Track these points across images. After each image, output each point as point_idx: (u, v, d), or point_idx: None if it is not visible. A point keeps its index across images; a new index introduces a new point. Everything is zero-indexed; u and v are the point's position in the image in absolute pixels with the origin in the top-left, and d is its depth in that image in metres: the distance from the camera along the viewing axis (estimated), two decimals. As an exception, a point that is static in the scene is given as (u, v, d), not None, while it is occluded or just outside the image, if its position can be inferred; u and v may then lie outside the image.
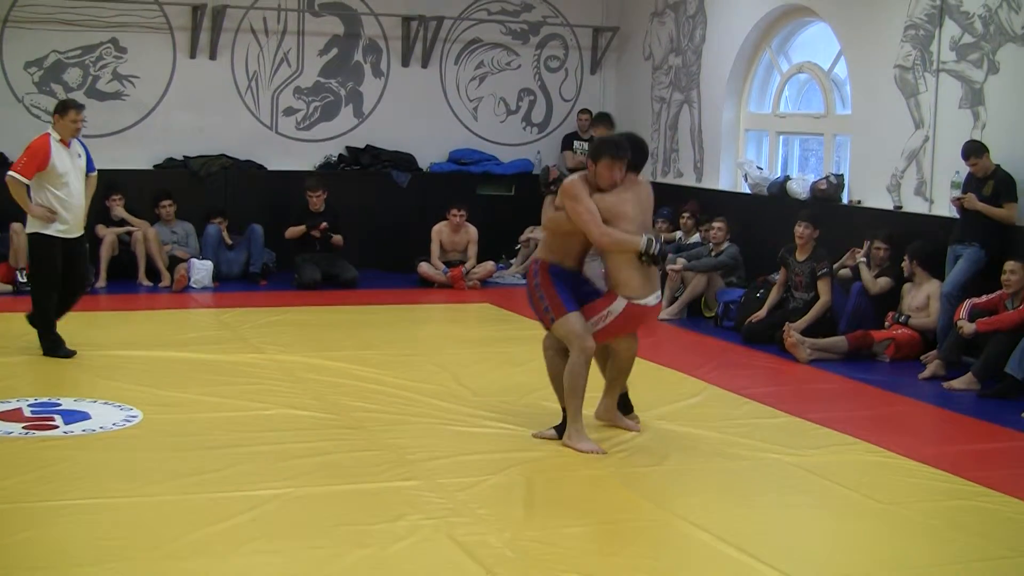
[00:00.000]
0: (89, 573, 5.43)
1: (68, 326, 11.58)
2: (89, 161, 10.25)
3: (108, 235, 14.25)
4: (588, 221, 7.57)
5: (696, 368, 10.29)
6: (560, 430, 7.79)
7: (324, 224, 14.58)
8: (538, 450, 7.60)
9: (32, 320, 10.20)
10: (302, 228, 14.56)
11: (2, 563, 5.56)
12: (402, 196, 16.04)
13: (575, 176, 7.84)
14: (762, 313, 11.75)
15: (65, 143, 9.93)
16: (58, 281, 10.03)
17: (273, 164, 15.66)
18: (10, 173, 9.89)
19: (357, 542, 5.95)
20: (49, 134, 9.93)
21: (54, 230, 9.89)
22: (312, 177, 15.20)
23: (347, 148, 16.15)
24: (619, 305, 7.66)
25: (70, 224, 9.97)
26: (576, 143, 16.60)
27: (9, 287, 13.57)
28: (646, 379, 9.82)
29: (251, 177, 15.54)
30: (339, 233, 14.78)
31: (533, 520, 6.30)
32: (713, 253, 13.12)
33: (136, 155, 15.13)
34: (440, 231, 15.09)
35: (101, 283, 14.03)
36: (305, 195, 14.78)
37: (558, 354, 7.87)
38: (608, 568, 5.66)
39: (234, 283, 14.47)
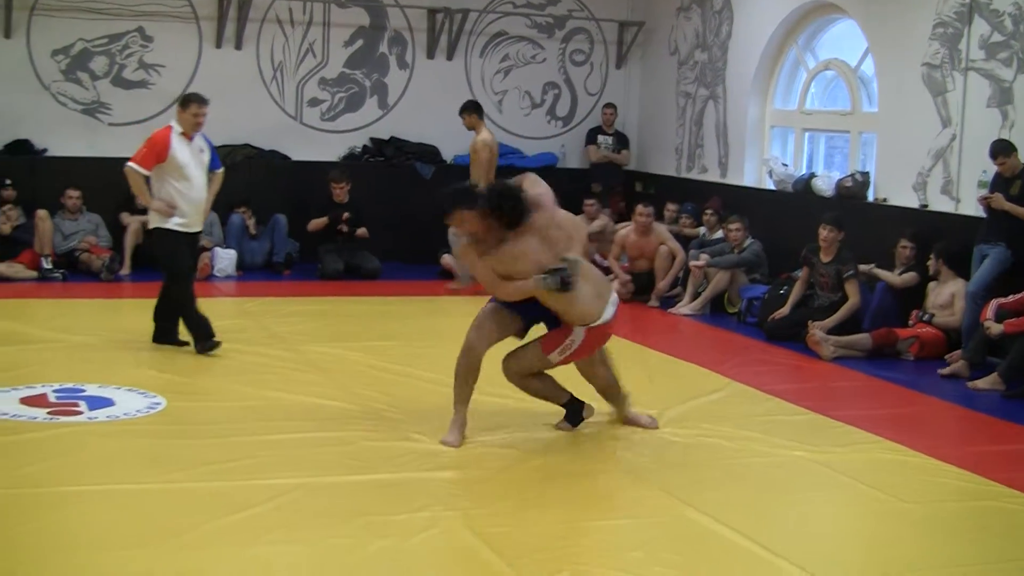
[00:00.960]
0: (111, 559, 5.43)
1: (92, 312, 11.65)
2: (214, 157, 10.11)
3: (133, 223, 14.28)
4: (488, 285, 7.53)
5: (718, 364, 10.27)
6: (572, 420, 7.86)
7: (346, 214, 14.60)
8: (560, 445, 7.59)
9: (160, 313, 10.05)
10: (324, 220, 14.57)
11: (26, 547, 5.58)
12: (426, 188, 16.00)
13: (463, 238, 7.69)
14: (785, 310, 11.72)
15: (187, 136, 9.76)
16: (191, 272, 10.04)
17: (297, 155, 15.68)
18: (129, 164, 9.73)
19: (377, 532, 5.95)
20: (171, 127, 9.78)
21: (174, 224, 9.75)
22: (336, 168, 15.22)
23: (371, 139, 16.16)
24: (579, 334, 7.58)
25: (190, 218, 9.82)
26: (600, 137, 16.60)
27: (34, 273, 13.62)
28: (668, 374, 9.83)
29: (275, 167, 15.55)
30: (363, 225, 14.80)
31: (554, 514, 6.29)
32: (735, 250, 13.08)
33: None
34: (463, 224, 15.05)
35: (126, 271, 14.08)
36: (329, 186, 14.80)
37: (524, 378, 7.86)
38: (630, 563, 5.65)
39: (257, 273, 14.50)
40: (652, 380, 9.60)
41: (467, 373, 7.60)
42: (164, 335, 10.01)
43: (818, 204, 12.78)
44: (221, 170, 10.23)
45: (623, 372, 9.15)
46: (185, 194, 9.74)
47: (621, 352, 10.59)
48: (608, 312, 7.62)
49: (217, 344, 9.76)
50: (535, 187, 7.63)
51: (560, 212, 7.69)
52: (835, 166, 14.13)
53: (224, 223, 14.86)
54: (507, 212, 7.34)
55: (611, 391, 8.11)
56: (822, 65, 14.09)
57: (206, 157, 9.96)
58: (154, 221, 9.84)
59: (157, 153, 9.65)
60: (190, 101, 9.79)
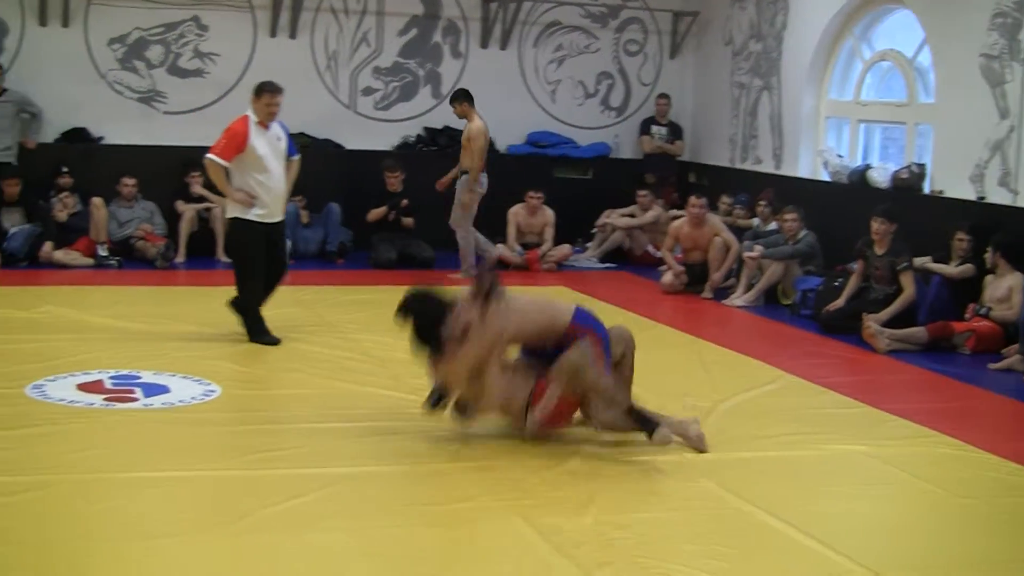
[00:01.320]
0: (165, 545, 5.47)
1: (147, 299, 11.74)
2: (291, 145, 10.01)
3: (187, 211, 14.39)
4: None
5: (772, 356, 10.21)
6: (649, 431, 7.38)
7: (405, 202, 14.65)
8: (611, 438, 7.57)
9: (236, 305, 9.93)
10: (383, 210, 14.61)
11: (81, 532, 5.62)
12: (479, 178, 16.04)
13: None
14: (840, 302, 11.64)
15: (263, 125, 9.68)
16: (262, 266, 9.81)
17: (351, 143, 15.73)
18: (208, 156, 9.71)
19: (429, 522, 5.97)
20: (247, 116, 9.70)
21: (253, 215, 9.65)
22: (390, 158, 15.26)
23: (425, 129, 16.19)
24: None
25: (270, 208, 9.73)
26: (654, 128, 16.56)
27: (90, 260, 13.73)
28: (722, 366, 9.79)
29: (329, 156, 15.59)
30: (415, 214, 14.83)
31: (606, 505, 6.27)
32: (790, 241, 13.00)
33: (216, 132, 15.02)
34: (517, 213, 15.09)
35: (180, 258, 14.18)
36: (383, 175, 14.84)
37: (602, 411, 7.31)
38: (683, 554, 5.63)
39: (311, 261, 14.55)
40: (707, 371, 9.57)
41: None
42: (259, 334, 9.84)
43: (873, 196, 12.68)
44: (297, 157, 10.14)
45: (679, 363, 9.18)
46: (264, 184, 9.67)
47: (675, 344, 10.64)
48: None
49: (274, 340, 9.75)
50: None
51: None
52: (891, 158, 14.03)
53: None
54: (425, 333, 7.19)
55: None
56: (878, 55, 13.98)
57: (283, 145, 9.87)
58: (232, 211, 9.80)
59: (237, 144, 9.59)
60: (263, 90, 9.70)
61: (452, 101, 14.03)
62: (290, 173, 10.03)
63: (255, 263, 9.77)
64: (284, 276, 10.11)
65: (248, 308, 9.81)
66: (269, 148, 9.69)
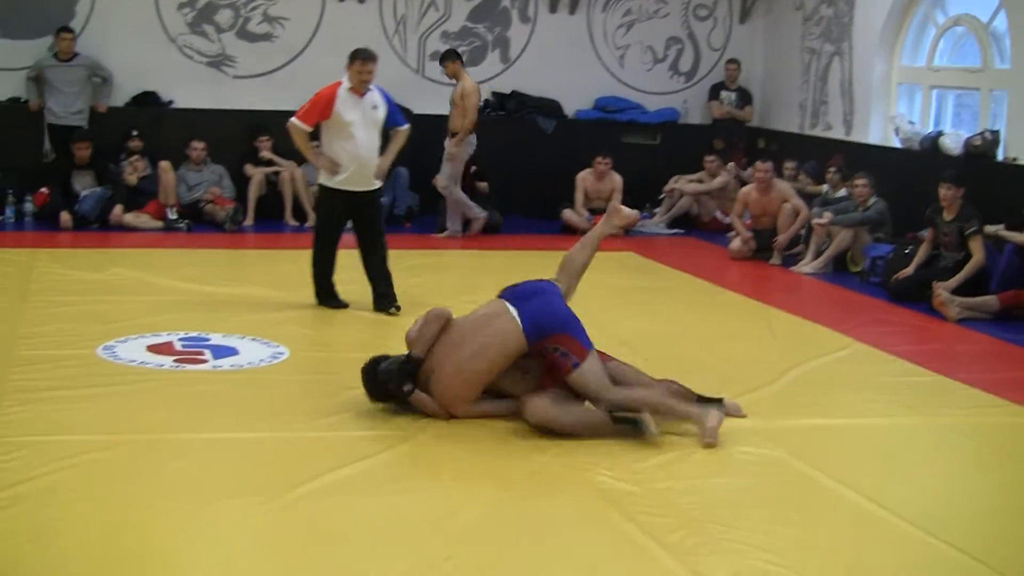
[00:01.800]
0: (234, 505, 5.51)
1: (216, 262, 11.83)
2: (393, 115, 9.81)
3: (256, 175, 14.46)
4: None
5: (841, 324, 10.13)
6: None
7: (474, 167, 14.63)
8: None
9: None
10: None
11: (152, 491, 5.68)
12: (547, 142, 16.02)
13: None
14: (910, 270, 11.52)
15: (357, 93, 9.52)
16: (334, 234, 9.72)
17: (419, 108, 15.66)
18: (291, 120, 9.63)
19: (499, 487, 5.98)
20: (341, 82, 9.56)
21: (335, 182, 9.56)
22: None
23: (493, 93, 16.15)
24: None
25: (353, 176, 9.55)
26: (723, 93, 16.45)
27: (159, 223, 13.84)
28: (791, 334, 9.74)
29: (397, 120, 15.58)
30: (485, 179, 14.82)
31: (677, 472, 6.25)
32: (860, 208, 12.88)
33: (284, 96, 15.22)
34: (585, 178, 15.06)
35: (249, 222, 14.27)
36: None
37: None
38: (752, 520, 5.62)
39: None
40: (775, 338, 9.52)
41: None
42: (325, 298, 9.82)
43: (945, 163, 12.53)
44: (405, 127, 9.96)
45: (747, 330, 9.14)
46: (348, 151, 9.52)
47: (743, 310, 10.60)
48: None
49: (341, 304, 9.78)
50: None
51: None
52: (963, 124, 13.85)
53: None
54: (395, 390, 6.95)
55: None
56: (952, 20, 13.80)
57: (380, 114, 9.68)
58: (319, 177, 9.79)
59: (320, 110, 9.51)
60: (355, 57, 9.54)
61: (442, 61, 14.09)
62: (394, 142, 9.87)
63: (327, 229, 9.73)
64: (379, 249, 9.81)
65: (314, 272, 9.80)
66: (360, 116, 9.53)
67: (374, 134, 9.67)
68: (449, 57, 13.98)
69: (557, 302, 7.04)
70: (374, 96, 9.63)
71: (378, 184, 9.83)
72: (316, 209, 9.96)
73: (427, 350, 6.89)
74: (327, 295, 9.81)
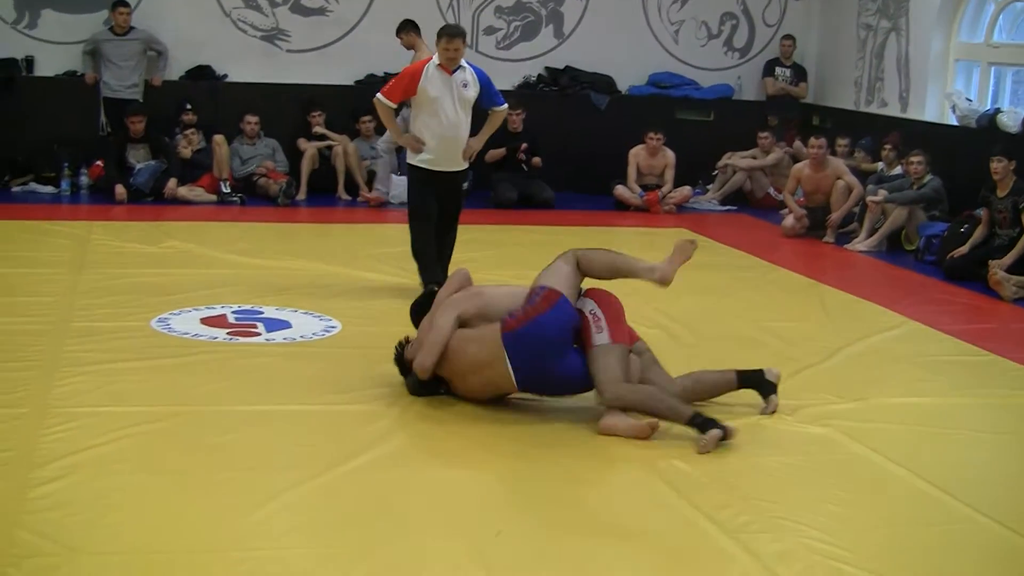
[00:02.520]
0: (286, 477, 5.54)
1: (269, 236, 11.88)
2: (489, 94, 9.41)
3: (309, 149, 14.50)
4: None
5: (895, 302, 10.07)
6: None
7: (525, 145, 14.61)
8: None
9: (412, 249, 9.52)
10: (502, 151, 14.56)
11: (205, 463, 5.72)
12: (600, 118, 15.97)
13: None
14: (964, 249, 11.42)
15: (446, 70, 9.13)
16: (429, 214, 9.35)
17: (472, 83, 15.70)
18: (377, 95, 9.34)
19: (553, 461, 5.98)
20: (431, 58, 9.25)
21: (419, 160, 9.25)
22: (511, 97, 15.20)
23: (546, 68, 16.12)
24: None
25: (437, 156, 9.22)
26: (778, 69, 16.35)
27: (213, 197, 13.92)
28: (844, 312, 9.69)
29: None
30: (537, 154, 14.81)
31: (725, 448, 6.22)
32: (915, 186, 12.77)
33: (337, 71, 15.32)
34: (637, 154, 15.00)
35: (302, 196, 14.31)
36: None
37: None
38: (803, 498, 5.61)
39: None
40: (828, 316, 9.47)
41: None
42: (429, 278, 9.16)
43: (1003, 141, 12.40)
44: (502, 107, 9.59)
45: (800, 307, 9.11)
46: (433, 129, 9.19)
47: (796, 288, 10.55)
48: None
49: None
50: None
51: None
52: (1021, 102, 13.71)
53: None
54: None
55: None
56: (1011, -4, 13.67)
57: (470, 93, 9.27)
58: (409, 157, 9.48)
59: (404, 86, 9.23)
60: (441, 34, 9.19)
61: (398, 32, 13.62)
62: (488, 123, 9.54)
63: (418, 207, 9.39)
64: (453, 230, 9.61)
65: (416, 251, 9.47)
66: (447, 93, 9.16)
67: (463, 113, 9.27)
68: (404, 28, 13.62)
69: (557, 352, 6.54)
70: (465, 74, 9.25)
71: (465, 165, 9.51)
72: (408, 189, 9.65)
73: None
74: (434, 273, 9.18)
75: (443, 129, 9.18)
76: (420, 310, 7.03)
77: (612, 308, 6.64)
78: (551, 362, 6.49)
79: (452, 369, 6.66)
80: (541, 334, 6.42)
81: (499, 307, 6.67)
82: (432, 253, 9.39)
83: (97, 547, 4.72)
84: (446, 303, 6.73)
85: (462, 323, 6.66)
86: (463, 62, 9.25)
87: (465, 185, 9.33)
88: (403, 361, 6.94)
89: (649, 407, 6.40)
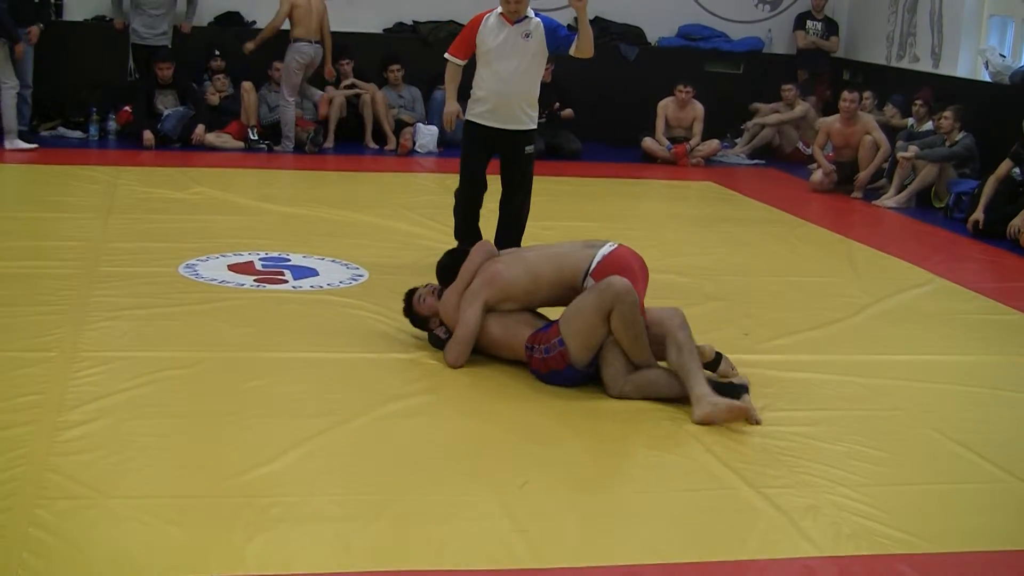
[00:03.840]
0: (316, 425, 5.54)
1: (297, 183, 11.87)
2: (555, 39, 8.38)
3: (337, 97, 14.46)
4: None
5: (923, 259, 10.02)
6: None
7: (557, 104, 14.57)
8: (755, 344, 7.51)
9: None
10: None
11: (232, 408, 5.73)
12: (629, 70, 15.89)
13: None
14: (979, 213, 11.27)
15: (508, 19, 8.31)
16: (474, 173, 8.63)
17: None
18: (445, 54, 8.65)
19: (593, 422, 5.96)
20: (494, 9, 8.42)
21: (472, 114, 8.53)
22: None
23: (576, 19, 15.97)
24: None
25: (492, 108, 8.42)
26: (809, 23, 16.23)
27: (241, 144, 13.91)
28: (871, 267, 9.65)
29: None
30: (568, 106, 14.77)
31: (761, 405, 6.22)
32: (947, 143, 12.67)
33: (366, 19, 15.27)
34: (666, 106, 14.94)
35: (329, 144, 14.29)
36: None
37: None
38: (829, 454, 5.59)
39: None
40: (856, 272, 9.43)
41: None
42: (461, 238, 8.70)
43: (1036, 98, 12.31)
44: (575, 45, 8.39)
45: (828, 263, 9.08)
46: (487, 83, 8.41)
47: (824, 243, 10.50)
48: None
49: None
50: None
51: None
52: (1056, 59, 13.61)
53: (427, 99, 14.96)
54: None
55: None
56: (1047, -48, 13.51)
57: (532, 43, 8.32)
58: (467, 109, 8.70)
59: (465, 39, 8.50)
60: None
61: None
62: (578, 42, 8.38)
63: (466, 164, 8.66)
64: (518, 198, 8.74)
65: (454, 211, 8.89)
66: (506, 43, 8.30)
67: (524, 66, 8.35)
68: None
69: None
70: (528, 24, 8.33)
71: (528, 126, 8.55)
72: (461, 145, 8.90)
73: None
74: (465, 234, 8.70)
75: (498, 83, 8.37)
76: (444, 271, 6.95)
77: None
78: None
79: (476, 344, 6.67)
80: (557, 381, 6.36)
81: (517, 287, 6.59)
82: (469, 220, 8.76)
83: (126, 490, 4.74)
84: (471, 294, 6.63)
85: (488, 308, 6.64)
86: (529, 12, 8.39)
87: (530, 148, 8.60)
88: (412, 313, 6.93)
89: (655, 393, 6.23)
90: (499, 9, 8.38)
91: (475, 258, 6.79)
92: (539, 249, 6.94)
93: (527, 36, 8.33)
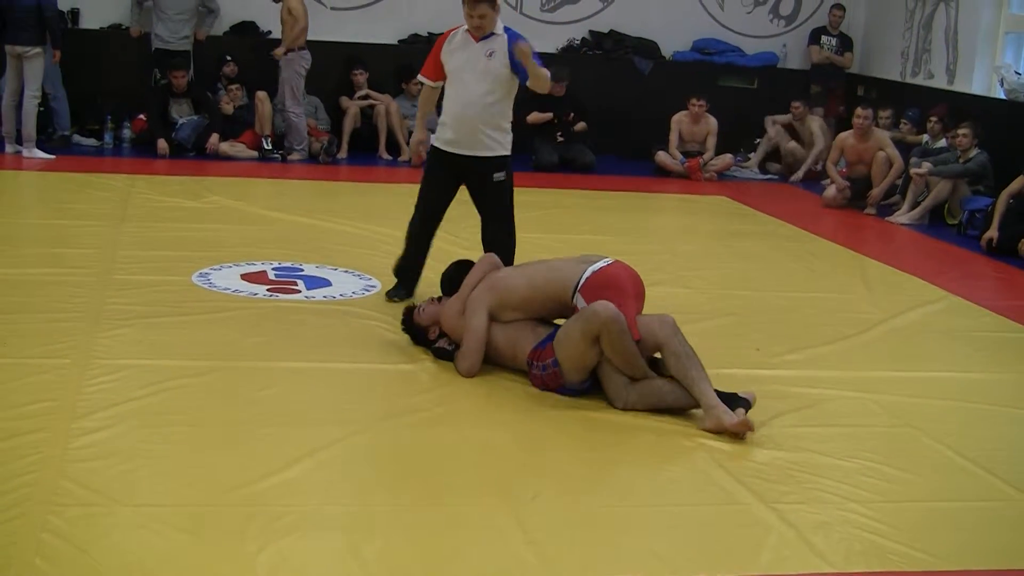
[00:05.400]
0: (328, 434, 5.54)
1: (310, 193, 11.88)
2: (516, 66, 7.52)
3: (351, 107, 14.50)
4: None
5: (936, 276, 10.01)
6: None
7: (571, 114, 14.60)
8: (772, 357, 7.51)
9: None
10: (548, 115, 14.54)
11: (244, 417, 5.74)
12: (643, 83, 15.91)
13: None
14: (993, 231, 11.26)
15: (473, 36, 7.64)
16: (429, 204, 8.03)
17: (515, 45, 15.64)
18: (418, 75, 8.16)
19: (583, 422, 5.98)
20: (461, 26, 7.75)
21: (433, 138, 7.95)
22: (554, 65, 15.13)
23: (590, 32, 16.05)
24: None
25: (452, 135, 7.78)
26: (824, 38, 16.23)
27: (255, 153, 13.94)
28: (884, 284, 9.64)
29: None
30: (582, 119, 14.80)
31: (762, 419, 6.22)
32: (961, 159, 12.66)
33: (381, 30, 15.31)
34: (680, 120, 14.95)
35: (343, 154, 14.32)
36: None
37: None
38: (840, 471, 5.58)
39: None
40: (869, 289, 9.42)
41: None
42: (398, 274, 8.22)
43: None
44: (528, 82, 7.57)
45: (840, 279, 9.07)
46: (449, 104, 7.80)
47: (837, 259, 10.50)
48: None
49: (398, 295, 8.06)
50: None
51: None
52: (1071, 77, 13.58)
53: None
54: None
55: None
56: (1063, -30, 13.51)
57: (496, 64, 7.61)
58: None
59: (433, 57, 7.90)
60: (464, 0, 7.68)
61: None
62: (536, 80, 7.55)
63: (422, 195, 8.07)
64: (504, 234, 8.02)
65: (406, 240, 8.22)
66: (466, 63, 7.65)
67: (488, 87, 7.63)
68: None
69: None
70: (494, 42, 7.63)
71: (495, 152, 7.80)
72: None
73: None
74: (400, 271, 8.19)
75: (460, 105, 7.69)
76: (449, 281, 7.00)
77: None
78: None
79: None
80: (559, 392, 6.39)
81: (515, 296, 6.62)
82: (409, 256, 8.15)
83: (138, 498, 4.75)
84: (475, 301, 6.64)
85: (491, 317, 6.65)
86: (499, 29, 7.69)
87: (499, 176, 7.85)
88: (412, 327, 6.95)
89: (661, 404, 6.22)
90: (464, 27, 7.74)
91: (479, 269, 6.82)
92: (541, 262, 6.97)
93: (491, 55, 7.62)
